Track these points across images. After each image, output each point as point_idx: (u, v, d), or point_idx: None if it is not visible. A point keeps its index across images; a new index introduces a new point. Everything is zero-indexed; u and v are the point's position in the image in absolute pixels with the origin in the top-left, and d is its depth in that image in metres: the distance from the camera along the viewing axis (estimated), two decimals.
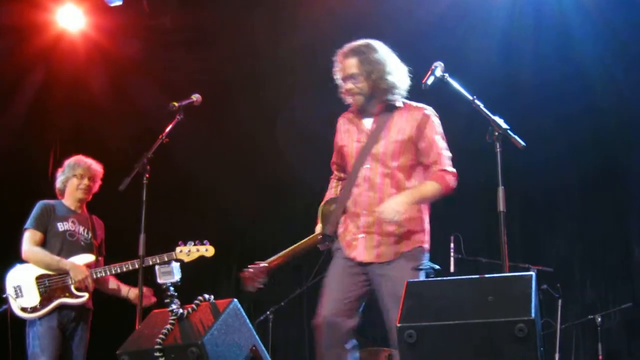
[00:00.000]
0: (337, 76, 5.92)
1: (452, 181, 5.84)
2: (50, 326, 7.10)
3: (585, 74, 9.46)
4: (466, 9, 9.75)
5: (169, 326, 4.65)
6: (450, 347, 4.21)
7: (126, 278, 7.54)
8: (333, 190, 6.22)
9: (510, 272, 4.97)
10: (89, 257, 7.42)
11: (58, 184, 7.66)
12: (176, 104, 6.48)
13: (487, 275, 4.54)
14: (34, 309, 7.10)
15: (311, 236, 6.18)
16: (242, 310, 4.72)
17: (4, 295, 7.24)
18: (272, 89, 10.67)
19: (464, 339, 4.19)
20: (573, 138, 9.60)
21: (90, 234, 7.59)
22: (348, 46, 5.90)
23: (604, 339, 8.67)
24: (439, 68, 5.65)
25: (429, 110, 5.92)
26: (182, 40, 10.53)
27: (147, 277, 6.23)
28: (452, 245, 8.73)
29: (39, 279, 7.20)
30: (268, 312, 9.04)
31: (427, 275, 5.57)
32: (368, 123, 5.87)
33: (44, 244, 7.37)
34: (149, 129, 8.17)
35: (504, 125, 5.31)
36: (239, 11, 10.34)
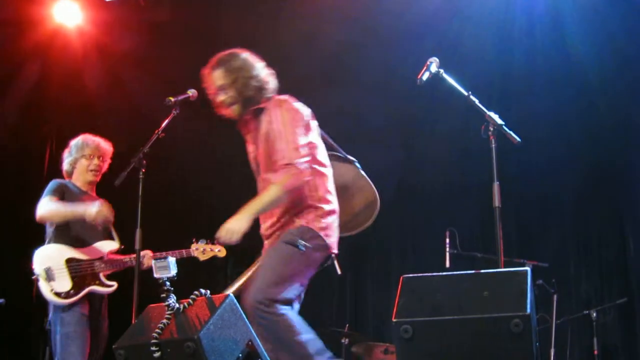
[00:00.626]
0: (210, 93, 5.94)
1: (294, 178, 5.46)
2: (82, 313, 6.81)
3: (579, 73, 9.49)
4: (460, 6, 9.76)
5: (165, 321, 4.65)
6: (446, 343, 4.22)
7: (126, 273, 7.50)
8: None
9: (505, 267, 4.99)
10: (113, 245, 7.21)
11: (65, 165, 7.34)
12: (172, 99, 6.46)
13: (482, 271, 4.55)
14: (67, 295, 6.79)
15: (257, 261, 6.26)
16: (238, 305, 4.73)
17: (34, 277, 6.91)
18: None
19: (460, 334, 4.20)
20: (568, 134, 9.63)
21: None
22: (212, 60, 5.93)
23: (600, 334, 8.69)
24: (434, 64, 5.66)
25: (279, 100, 5.81)
26: (179, 35, 10.52)
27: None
28: (447, 240, 8.75)
29: (69, 262, 6.91)
30: None
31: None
32: (248, 132, 5.94)
33: (61, 226, 7.04)
34: (145, 123, 8.16)
35: (499, 121, 5.32)
36: (236, 5, 10.34)
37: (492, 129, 5.32)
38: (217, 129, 10.57)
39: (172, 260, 4.74)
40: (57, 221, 7.00)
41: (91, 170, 7.24)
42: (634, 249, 9.38)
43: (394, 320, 4.33)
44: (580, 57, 9.41)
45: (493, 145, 5.32)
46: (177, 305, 4.74)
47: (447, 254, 8.71)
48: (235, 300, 4.68)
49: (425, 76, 5.62)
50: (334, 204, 5.72)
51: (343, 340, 9.07)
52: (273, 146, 5.59)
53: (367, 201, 6.31)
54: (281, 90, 10.02)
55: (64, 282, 6.83)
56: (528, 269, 4.42)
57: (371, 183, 6.40)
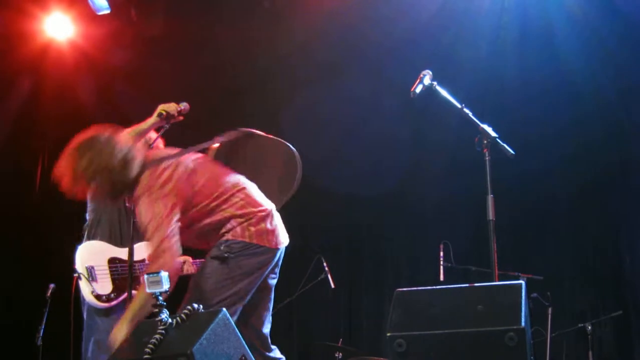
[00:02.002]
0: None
1: (168, 262, 5.13)
2: (118, 319, 6.28)
3: (572, 83, 9.49)
4: (454, 16, 9.77)
5: (157, 336, 4.62)
6: (440, 356, 4.21)
7: None
8: None
9: (500, 280, 4.97)
10: None
11: None
12: (164, 112, 6.41)
13: (476, 284, 4.53)
14: (108, 298, 6.53)
15: None
16: (231, 320, 4.69)
17: (75, 275, 6.57)
18: (262, 97, 10.67)
19: (454, 348, 4.18)
20: (562, 147, 9.62)
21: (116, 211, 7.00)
22: (64, 154, 5.58)
23: (595, 348, 8.67)
24: (427, 76, 5.65)
25: (139, 188, 5.41)
26: (171, 49, 10.50)
27: None
28: (441, 253, 8.73)
29: (112, 262, 6.63)
30: None
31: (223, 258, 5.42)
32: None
33: (101, 217, 6.79)
34: None
35: (493, 134, 5.31)
36: (229, 19, 10.33)
37: (486, 142, 5.31)
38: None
39: (164, 275, 4.69)
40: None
41: None
42: (630, 261, 9.38)
43: (387, 334, 4.31)
44: (573, 66, 9.42)
45: (487, 158, 5.31)
46: (169, 320, 4.70)
47: (441, 267, 8.69)
48: (228, 315, 4.65)
49: (419, 89, 5.61)
50: (264, 206, 5.62)
51: (337, 355, 9.03)
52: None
53: (285, 158, 6.12)
54: (277, 98, 10.00)
55: (106, 284, 6.58)
56: (522, 282, 4.41)
57: (278, 140, 6.17)
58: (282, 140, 6.12)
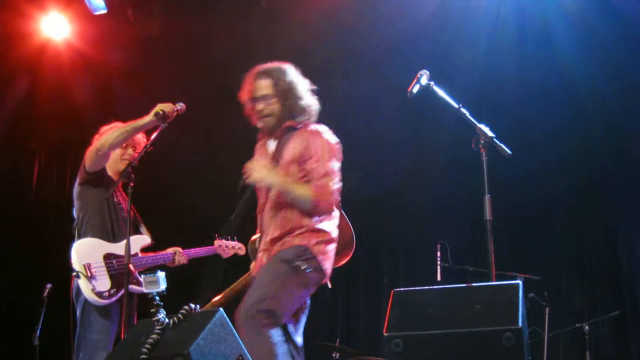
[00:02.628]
0: (245, 97, 5.89)
1: (325, 199, 5.55)
2: (114, 316, 6.52)
3: (570, 83, 9.50)
4: (451, 17, 9.76)
5: (154, 336, 4.61)
6: (437, 356, 4.20)
7: None
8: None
9: (497, 280, 4.97)
10: (145, 240, 6.98)
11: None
12: (160, 112, 6.42)
13: (474, 284, 4.53)
14: (109, 295, 6.47)
15: (246, 274, 6.24)
16: (228, 319, 4.69)
17: (74, 273, 6.51)
18: None
19: (451, 348, 4.17)
20: (559, 147, 9.63)
21: (132, 212, 6.90)
22: (260, 67, 5.89)
23: (592, 347, 8.67)
24: (424, 76, 5.64)
25: (319, 129, 5.79)
26: (168, 49, 10.50)
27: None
28: (438, 253, 8.72)
29: (107, 259, 6.58)
30: None
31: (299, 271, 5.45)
32: (272, 145, 5.84)
33: (91, 213, 6.75)
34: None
35: (490, 134, 5.30)
36: (226, 19, 10.33)
37: (483, 142, 5.30)
38: (209, 141, 10.65)
39: (161, 275, 4.69)
40: (120, 140, 6.68)
41: (124, 160, 6.93)
42: (627, 261, 9.39)
43: (385, 334, 4.30)
44: (570, 66, 9.43)
45: (484, 158, 5.30)
46: (166, 320, 4.69)
47: (439, 268, 8.68)
48: (225, 315, 4.64)
49: (416, 89, 5.60)
50: (335, 236, 5.71)
51: (334, 355, 9.02)
52: (303, 167, 5.59)
53: (346, 240, 6.22)
54: None
55: (104, 281, 6.53)
56: (520, 282, 4.41)
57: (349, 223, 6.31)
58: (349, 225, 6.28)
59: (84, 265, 6.51)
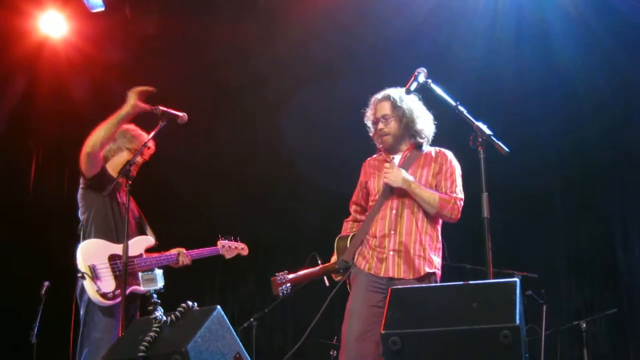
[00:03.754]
0: (369, 120, 6.35)
1: (456, 210, 6.10)
2: (117, 318, 6.47)
3: (567, 82, 9.50)
4: (449, 15, 9.76)
5: (152, 334, 4.62)
6: (435, 354, 4.20)
7: None
8: (348, 230, 6.58)
9: (494, 278, 4.96)
10: (149, 240, 6.98)
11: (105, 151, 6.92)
12: (161, 108, 6.43)
13: (471, 282, 4.53)
14: (113, 295, 6.47)
15: (328, 264, 6.34)
16: (225, 317, 4.70)
17: (79, 274, 6.49)
18: (257, 96, 10.67)
19: (449, 346, 4.17)
20: (557, 145, 9.64)
21: (137, 212, 7.14)
22: (382, 92, 6.29)
23: (590, 345, 8.67)
24: (422, 74, 5.65)
25: (451, 154, 6.31)
26: (165, 47, 10.49)
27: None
28: None
29: (112, 260, 6.58)
30: (252, 319, 9.01)
31: None
32: (397, 159, 6.21)
33: (96, 214, 6.75)
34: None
35: (488, 131, 5.30)
36: (224, 18, 10.32)
37: (480, 140, 5.30)
38: (207, 140, 10.65)
39: (159, 272, 4.71)
40: (106, 136, 6.69)
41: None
42: (624, 259, 9.39)
43: (382, 331, 4.30)
44: (568, 65, 9.43)
45: (482, 156, 5.29)
46: (164, 317, 4.70)
47: None
48: (222, 312, 4.65)
49: (413, 86, 5.61)
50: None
51: (331, 352, 9.04)
52: (440, 183, 6.15)
53: None
54: (272, 97, 9.99)
55: (109, 281, 6.53)
56: (517, 279, 4.40)
57: None
58: None
59: (89, 267, 6.52)
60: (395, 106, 6.12)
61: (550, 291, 8.91)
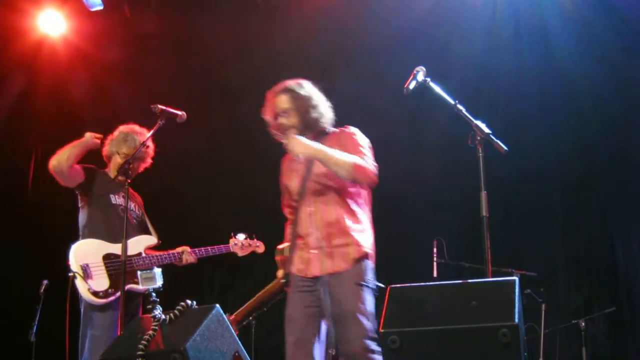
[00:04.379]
0: (267, 115, 6.21)
1: (370, 171, 5.91)
2: (114, 317, 6.46)
3: (566, 79, 9.50)
4: (447, 14, 9.75)
5: (151, 332, 4.62)
6: (434, 353, 4.20)
7: None
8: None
9: (493, 277, 4.96)
10: (151, 239, 6.98)
11: (105, 151, 7.10)
12: (160, 107, 6.44)
13: (470, 281, 4.52)
14: (106, 294, 6.52)
15: (274, 282, 6.26)
16: (224, 316, 4.70)
17: (70, 274, 6.54)
18: (256, 94, 10.65)
19: (447, 344, 4.17)
20: (555, 143, 9.63)
21: (140, 211, 7.17)
22: (278, 86, 6.22)
23: (588, 344, 8.68)
24: (420, 73, 5.64)
25: (356, 130, 6.14)
26: (165, 46, 10.49)
27: None
28: (434, 250, 8.72)
29: (107, 258, 6.64)
30: (250, 318, 9.01)
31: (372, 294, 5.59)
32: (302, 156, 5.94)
33: (93, 216, 6.85)
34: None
35: (486, 130, 5.29)
36: (223, 17, 10.31)
37: (479, 138, 5.29)
38: (205, 139, 10.65)
39: (158, 271, 4.71)
40: (69, 161, 6.75)
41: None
42: (623, 258, 9.40)
43: (381, 330, 4.30)
44: (567, 62, 9.43)
45: (480, 155, 5.29)
46: (163, 316, 4.70)
47: (435, 264, 8.68)
48: (221, 311, 4.65)
49: (412, 85, 5.60)
50: None
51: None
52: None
53: None
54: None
55: (102, 280, 6.58)
56: (516, 278, 4.40)
57: None
58: None
59: (81, 266, 6.57)
60: (294, 98, 6.07)
61: (549, 290, 8.92)
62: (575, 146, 9.63)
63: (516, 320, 4.08)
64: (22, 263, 10.34)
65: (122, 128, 7.12)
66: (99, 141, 6.95)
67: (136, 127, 7.11)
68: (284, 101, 6.08)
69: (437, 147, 9.93)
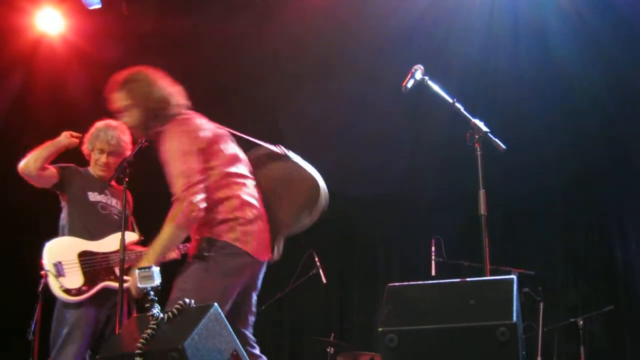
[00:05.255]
0: (115, 114, 5.92)
1: (184, 214, 5.28)
2: (89, 313, 6.46)
3: (564, 78, 9.50)
4: (445, 12, 9.75)
5: (149, 330, 4.61)
6: (432, 352, 4.20)
7: None
8: None
9: (491, 275, 4.96)
10: (132, 236, 6.82)
11: (84, 149, 7.04)
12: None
13: (468, 279, 4.52)
14: (79, 291, 6.44)
15: None
16: (222, 314, 4.69)
17: (43, 272, 6.53)
18: (254, 93, 10.67)
19: (445, 343, 4.17)
20: (554, 142, 9.64)
21: (120, 207, 6.94)
22: (113, 81, 5.91)
23: (586, 342, 8.69)
24: (419, 71, 5.64)
25: (175, 124, 5.63)
26: (162, 44, 10.47)
27: None
28: (433, 248, 8.74)
29: (82, 256, 6.57)
30: None
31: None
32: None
33: (72, 214, 6.82)
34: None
35: (485, 128, 5.30)
36: (221, 15, 10.31)
37: (477, 137, 5.30)
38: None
39: (156, 269, 4.69)
40: (37, 164, 6.84)
41: (99, 165, 6.97)
42: (621, 256, 9.41)
43: (379, 329, 4.30)
44: (564, 61, 9.43)
45: (479, 153, 5.30)
46: (161, 314, 4.69)
47: (433, 262, 8.70)
48: (219, 310, 4.65)
49: (410, 83, 5.60)
50: (254, 211, 5.55)
51: (328, 349, 9.04)
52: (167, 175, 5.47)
53: (309, 188, 5.89)
54: (269, 89, 9.94)
55: (75, 278, 6.51)
56: (514, 277, 4.39)
57: (308, 169, 6.02)
58: (311, 174, 5.96)
59: (53, 264, 6.54)
60: (128, 94, 5.76)
61: (547, 288, 8.93)
62: (573, 144, 9.64)
63: (514, 318, 4.08)
64: (20, 261, 10.33)
65: (98, 124, 7.07)
66: (77, 140, 6.92)
67: (112, 122, 6.98)
68: (119, 99, 5.80)
69: (435, 145, 9.93)
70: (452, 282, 4.53)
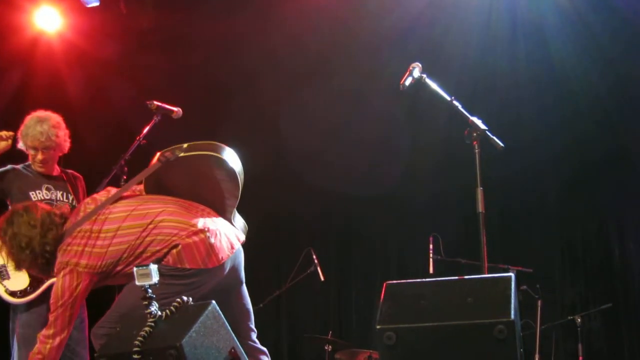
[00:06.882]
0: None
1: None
2: (40, 313, 6.37)
3: (563, 78, 9.49)
4: (443, 11, 9.74)
5: (147, 328, 4.61)
6: (430, 349, 4.20)
7: None
8: None
9: (489, 273, 4.96)
10: None
11: (20, 147, 6.88)
12: (155, 103, 6.42)
13: (466, 277, 4.52)
14: (24, 293, 6.41)
15: None
16: (220, 312, 4.69)
17: None
18: (252, 91, 10.66)
19: (443, 340, 4.17)
20: (552, 140, 9.63)
21: (71, 197, 6.88)
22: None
23: (584, 340, 8.68)
24: (416, 69, 5.64)
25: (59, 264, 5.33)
26: (160, 42, 10.47)
27: None
28: (431, 246, 8.74)
29: None
30: None
31: None
32: None
33: None
34: (127, 130, 8.12)
35: (482, 126, 5.30)
36: (219, 13, 10.30)
37: (475, 135, 5.30)
38: (200, 135, 10.62)
39: (154, 267, 4.68)
40: None
41: (35, 163, 6.83)
42: (619, 254, 9.41)
43: (377, 326, 4.30)
44: (563, 61, 9.43)
45: (476, 151, 5.30)
46: (159, 312, 4.69)
47: (431, 260, 8.69)
48: (217, 308, 4.65)
49: (408, 81, 5.59)
50: (191, 227, 5.22)
51: (326, 347, 9.04)
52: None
53: (212, 163, 5.52)
54: (267, 88, 9.94)
55: (20, 280, 6.45)
56: (512, 274, 4.40)
57: (197, 152, 5.57)
58: (205, 152, 5.58)
59: None
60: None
61: (545, 286, 8.93)
62: (571, 144, 9.63)
63: (512, 316, 4.09)
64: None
65: (27, 119, 6.88)
66: (9, 140, 6.82)
67: (41, 114, 6.87)
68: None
69: (433, 143, 9.93)
70: (450, 279, 4.53)
